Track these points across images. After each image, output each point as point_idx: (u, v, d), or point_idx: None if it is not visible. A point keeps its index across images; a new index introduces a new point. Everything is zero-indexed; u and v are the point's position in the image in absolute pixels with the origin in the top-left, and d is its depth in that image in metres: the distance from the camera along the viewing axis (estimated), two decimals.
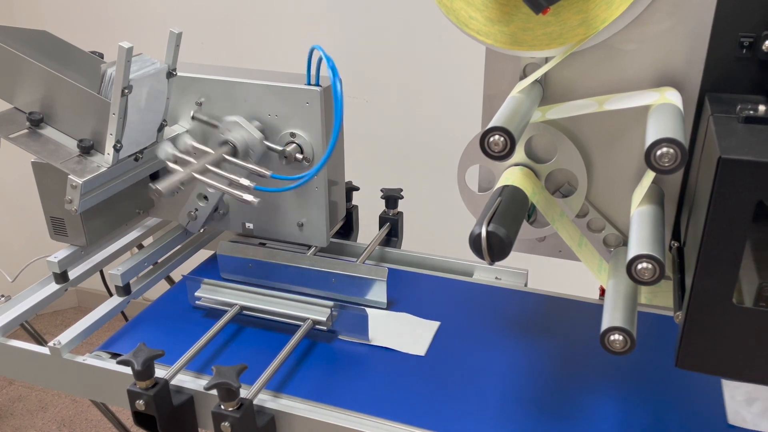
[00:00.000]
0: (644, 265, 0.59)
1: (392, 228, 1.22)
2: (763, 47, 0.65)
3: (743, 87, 0.68)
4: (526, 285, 1.10)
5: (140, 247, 1.21)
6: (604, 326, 0.64)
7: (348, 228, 1.24)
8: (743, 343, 0.58)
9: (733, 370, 0.60)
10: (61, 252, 1.06)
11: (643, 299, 0.75)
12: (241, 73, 1.07)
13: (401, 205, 1.24)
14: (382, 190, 1.22)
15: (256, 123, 1.03)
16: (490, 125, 0.62)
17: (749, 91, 0.68)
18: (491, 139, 0.61)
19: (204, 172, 0.93)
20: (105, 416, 1.10)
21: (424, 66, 1.76)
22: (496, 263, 1.12)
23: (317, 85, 1.01)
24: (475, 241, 0.65)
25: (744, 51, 0.66)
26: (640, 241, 0.62)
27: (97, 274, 1.15)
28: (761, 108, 0.60)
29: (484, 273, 1.14)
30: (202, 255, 1.24)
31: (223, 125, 1.02)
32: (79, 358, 0.91)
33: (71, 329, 0.95)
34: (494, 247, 0.65)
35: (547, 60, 0.74)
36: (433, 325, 0.98)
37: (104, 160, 0.97)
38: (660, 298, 0.74)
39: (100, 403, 1.11)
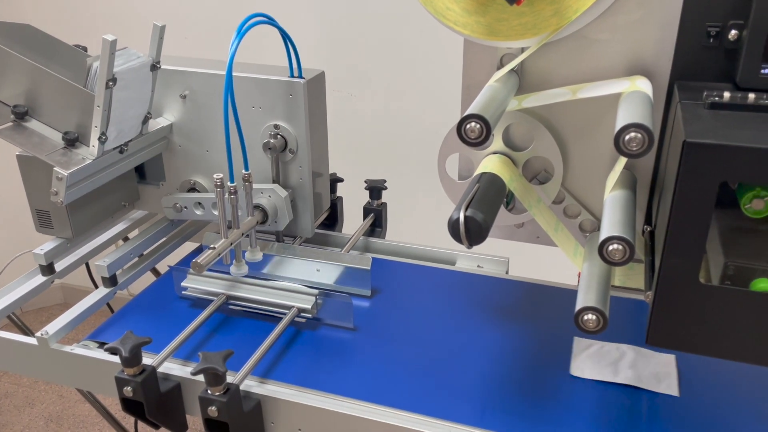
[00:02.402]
0: (615, 246, 0.62)
1: (376, 219, 1.24)
2: (729, 36, 0.68)
3: (711, 75, 0.70)
4: (507, 272, 1.13)
5: (126, 239, 1.21)
6: (578, 306, 0.66)
7: (333, 219, 1.26)
8: (710, 320, 0.61)
9: (700, 345, 0.62)
10: (47, 244, 1.06)
11: (617, 281, 0.78)
12: (224, 66, 1.07)
13: (385, 196, 1.25)
14: (366, 182, 1.24)
15: (285, 193, 1.06)
16: (466, 113, 0.64)
17: (716, 79, 0.70)
18: (467, 126, 0.63)
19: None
20: (93, 407, 1.11)
21: (407, 59, 1.78)
22: (479, 252, 1.15)
23: (300, 77, 1.03)
24: (453, 226, 0.67)
25: (711, 40, 0.69)
26: (611, 224, 0.64)
27: (84, 269, 1.16)
28: (726, 95, 0.62)
29: (466, 261, 1.16)
30: (188, 247, 1.26)
31: (255, 191, 1.06)
32: (67, 348, 0.92)
33: (58, 320, 0.95)
34: (472, 232, 0.67)
35: (523, 50, 0.76)
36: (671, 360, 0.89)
37: (89, 152, 0.97)
38: (633, 281, 0.77)
39: (88, 394, 1.12)
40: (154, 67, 1.01)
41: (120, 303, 1.10)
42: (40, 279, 1.06)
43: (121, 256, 1.06)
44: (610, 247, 0.62)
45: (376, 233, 1.24)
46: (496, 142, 0.83)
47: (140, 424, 1.99)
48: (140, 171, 1.20)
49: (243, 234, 0.98)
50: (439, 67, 1.74)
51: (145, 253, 1.17)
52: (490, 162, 0.79)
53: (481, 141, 0.64)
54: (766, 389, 0.84)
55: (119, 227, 1.19)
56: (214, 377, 0.76)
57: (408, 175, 1.79)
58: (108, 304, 1.15)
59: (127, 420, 2.00)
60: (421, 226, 1.67)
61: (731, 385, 0.84)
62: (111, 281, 1.05)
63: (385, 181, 1.25)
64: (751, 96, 0.61)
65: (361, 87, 1.85)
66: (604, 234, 0.63)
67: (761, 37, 0.64)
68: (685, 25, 0.69)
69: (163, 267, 1.22)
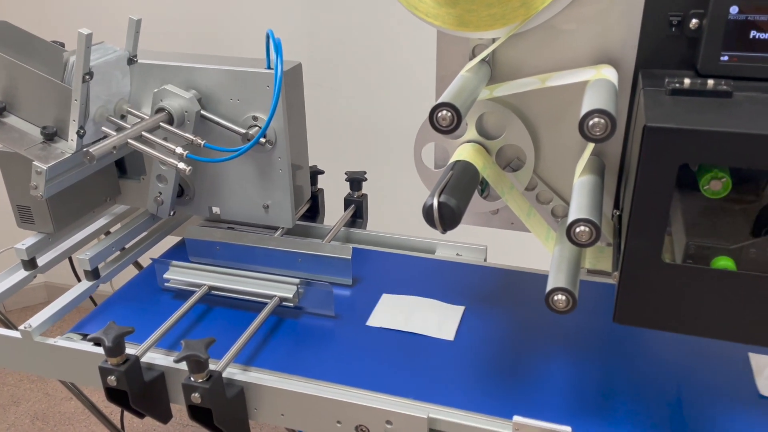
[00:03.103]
0: (582, 228, 0.64)
1: (357, 210, 1.26)
2: (690, 25, 0.70)
3: (673, 63, 0.73)
4: (485, 260, 1.15)
5: (107, 234, 1.22)
6: (549, 287, 0.68)
7: (314, 211, 1.27)
8: (673, 297, 0.63)
9: (666, 322, 0.65)
10: (29, 239, 1.07)
11: (588, 264, 0.80)
12: (202, 59, 1.09)
13: (365, 188, 1.27)
14: (346, 173, 1.26)
15: (193, 92, 1.04)
16: (438, 101, 0.65)
17: (679, 67, 0.72)
18: (439, 114, 0.65)
19: (139, 138, 0.95)
20: (79, 400, 1.12)
21: (384, 53, 1.79)
22: (458, 241, 1.17)
23: (274, 69, 1.04)
24: (427, 212, 0.69)
25: (673, 29, 0.71)
26: (578, 207, 0.66)
27: (67, 265, 1.16)
28: (687, 81, 0.65)
29: (445, 250, 1.18)
30: (169, 241, 1.26)
31: (158, 93, 1.03)
32: (50, 341, 0.93)
33: (41, 313, 0.96)
34: (445, 217, 0.69)
35: (493, 41, 0.78)
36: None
37: (68, 146, 0.98)
38: (603, 263, 0.80)
39: (74, 388, 1.13)
40: (131, 60, 1.02)
41: (103, 298, 1.11)
42: (22, 274, 1.06)
43: (103, 249, 1.07)
44: (577, 229, 0.64)
45: (357, 224, 1.26)
46: (470, 131, 0.85)
47: (126, 418, 1.99)
48: (121, 166, 1.21)
49: (143, 130, 0.97)
50: (413, 61, 1.76)
51: (126, 246, 1.18)
52: (464, 150, 0.81)
53: (452, 128, 0.66)
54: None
55: (101, 222, 1.20)
56: (197, 364, 0.77)
57: (387, 167, 1.80)
58: (91, 298, 1.16)
59: (114, 415, 2.01)
60: (401, 217, 1.69)
61: None
62: (93, 274, 1.06)
63: (365, 172, 1.26)
64: (711, 82, 0.64)
65: (339, 81, 1.86)
66: (571, 217, 0.65)
67: (720, 25, 0.67)
68: (648, 14, 0.72)
69: (144, 260, 1.23)
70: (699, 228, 0.66)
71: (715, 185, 0.61)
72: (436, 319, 0.97)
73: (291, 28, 1.83)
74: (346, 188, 1.27)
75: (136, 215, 1.22)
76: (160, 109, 1.02)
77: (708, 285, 0.62)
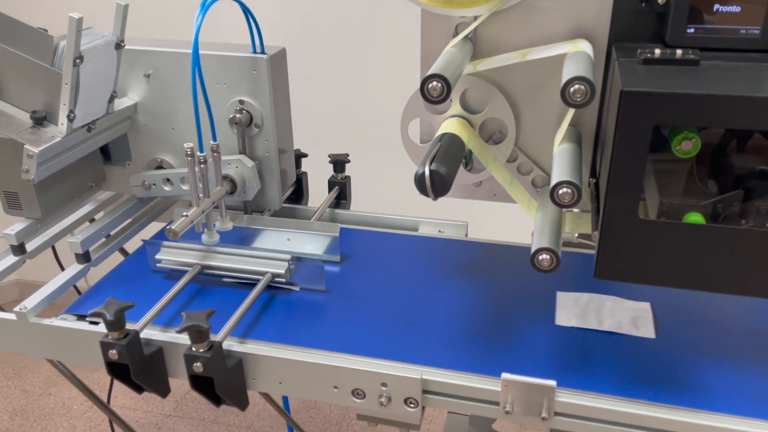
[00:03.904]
0: (564, 189, 0.69)
1: (341, 191, 1.29)
2: (659, 1, 0.75)
3: (644, 36, 0.78)
4: (466, 235, 1.20)
5: (92, 221, 1.23)
6: (534, 248, 0.73)
7: (299, 193, 1.30)
8: (649, 252, 0.69)
9: (643, 275, 0.70)
10: (17, 225, 1.08)
11: (567, 229, 0.85)
12: (188, 45, 1.10)
13: (348, 169, 1.31)
14: (329, 156, 1.29)
15: (251, 163, 1.10)
16: (428, 73, 0.69)
17: (649, 40, 0.78)
18: (430, 85, 0.69)
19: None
20: (71, 382, 1.13)
21: (364, 38, 1.83)
22: (439, 218, 1.22)
23: (263, 53, 1.07)
24: (419, 180, 0.73)
25: (643, 5, 0.76)
26: (560, 171, 0.71)
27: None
28: (657, 51, 0.70)
29: (427, 227, 1.22)
30: (154, 227, 1.27)
31: (230, 163, 1.10)
32: (46, 321, 0.94)
33: (35, 295, 0.98)
34: (436, 184, 0.73)
35: (475, 18, 0.82)
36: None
37: (58, 130, 0.99)
38: (580, 227, 0.84)
39: (66, 371, 1.14)
40: (119, 45, 1.04)
41: (85, 287, 1.11)
42: (11, 259, 1.07)
43: (94, 233, 1.09)
44: (560, 191, 0.69)
45: (341, 205, 1.30)
46: (454, 106, 0.89)
47: (114, 402, 1.98)
48: (105, 152, 1.22)
49: (213, 203, 1.02)
50: (393, 46, 1.80)
51: (112, 233, 1.19)
52: (450, 124, 0.85)
53: (442, 99, 0.70)
54: (734, 329, 0.93)
55: (87, 208, 1.21)
56: (199, 334, 0.80)
57: (369, 150, 1.84)
58: (75, 287, 1.16)
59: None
60: (383, 197, 1.73)
61: (703, 327, 0.93)
62: (84, 257, 1.07)
63: (348, 155, 1.30)
64: (679, 52, 0.69)
65: (321, 67, 1.89)
66: (554, 180, 0.70)
67: (686, 0, 0.72)
68: None
69: (129, 247, 1.24)
70: (671, 187, 0.72)
71: (686, 145, 0.66)
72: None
73: (269, 17, 1.85)
74: (324, 174, 1.29)
75: (120, 201, 1.24)
76: (226, 177, 1.09)
77: (681, 239, 0.67)
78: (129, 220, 1.23)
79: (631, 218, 0.67)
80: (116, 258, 1.27)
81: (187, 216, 0.95)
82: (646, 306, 0.95)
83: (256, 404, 2.19)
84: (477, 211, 1.35)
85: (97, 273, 1.12)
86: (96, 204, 1.23)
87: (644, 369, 0.85)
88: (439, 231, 1.21)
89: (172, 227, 0.92)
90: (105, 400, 1.76)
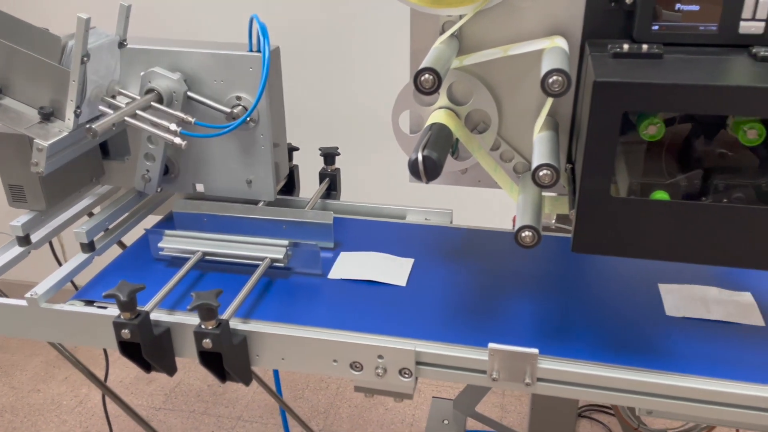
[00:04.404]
0: (545, 171, 0.76)
1: (332, 182, 1.35)
2: (627, 0, 0.83)
3: (614, 33, 0.86)
4: (451, 222, 1.27)
5: (90, 215, 1.27)
6: (517, 226, 0.80)
7: (291, 186, 1.36)
8: (621, 226, 0.76)
9: (615, 248, 0.78)
10: (22, 217, 1.12)
11: (547, 209, 0.93)
12: (186, 44, 1.16)
13: (338, 162, 1.37)
14: (320, 149, 1.35)
15: (178, 74, 1.12)
16: (420, 67, 0.76)
17: (618, 36, 0.85)
18: (423, 77, 0.76)
19: (133, 116, 1.03)
20: (76, 367, 1.17)
21: (355, 35, 1.90)
22: (426, 207, 1.29)
23: (259, 51, 1.12)
24: (413, 165, 0.80)
25: (613, 4, 0.84)
26: (540, 155, 0.79)
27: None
28: (626, 46, 0.78)
29: (415, 215, 1.29)
30: (151, 220, 1.32)
31: (146, 75, 1.10)
32: (57, 306, 0.99)
33: (45, 281, 1.02)
34: (428, 169, 0.80)
35: (461, 17, 0.89)
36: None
37: (65, 125, 1.04)
38: (558, 208, 0.92)
39: (71, 357, 1.18)
40: (122, 44, 1.09)
41: (81, 282, 1.14)
42: (17, 250, 1.11)
43: (98, 223, 1.14)
44: (541, 173, 0.76)
45: (332, 196, 1.36)
46: (441, 99, 0.96)
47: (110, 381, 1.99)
48: (104, 148, 1.27)
49: (137, 110, 1.04)
50: (382, 43, 1.87)
51: (111, 226, 1.23)
52: (438, 115, 0.92)
53: (434, 90, 0.76)
54: None
55: (86, 201, 1.26)
56: (208, 312, 0.86)
57: (359, 143, 1.91)
58: (72, 282, 1.20)
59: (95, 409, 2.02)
60: (371, 188, 1.80)
61: None
62: (89, 247, 1.12)
63: (337, 148, 1.36)
64: (645, 47, 0.77)
65: (311, 65, 1.96)
66: (535, 163, 0.77)
67: (651, 0, 0.80)
68: None
69: (127, 240, 1.29)
70: (639, 169, 0.79)
71: (651, 129, 0.73)
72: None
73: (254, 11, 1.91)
74: (315, 167, 1.36)
75: (119, 195, 1.28)
76: (150, 90, 1.09)
77: (648, 214, 0.75)
78: (127, 214, 1.27)
79: (604, 197, 0.75)
80: (115, 251, 1.32)
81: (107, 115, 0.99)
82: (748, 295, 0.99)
83: (245, 396, 2.24)
84: (460, 200, 1.43)
85: (95, 267, 1.16)
86: (95, 198, 1.27)
87: (619, 337, 0.93)
88: (426, 219, 1.28)
89: (93, 125, 0.95)
90: (98, 395, 1.78)
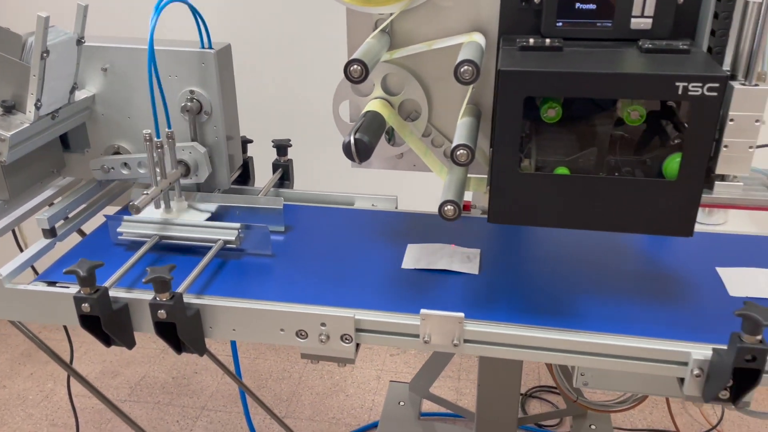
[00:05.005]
0: (461, 150, 0.86)
1: (284, 173, 1.44)
2: (535, 0, 0.94)
3: (525, 29, 0.96)
4: (396, 207, 1.36)
5: (51, 205, 1.33)
6: (441, 200, 0.90)
7: (245, 176, 1.44)
8: (529, 198, 0.87)
9: (524, 218, 0.88)
10: None
11: (471, 188, 1.03)
12: (142, 42, 1.23)
13: (290, 153, 1.45)
14: (273, 141, 1.44)
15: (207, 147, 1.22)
16: (350, 59, 0.85)
17: (529, 32, 0.96)
18: (351, 68, 0.85)
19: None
20: (40, 348, 1.23)
21: (301, 31, 1.99)
22: (373, 194, 1.38)
23: (210, 48, 1.21)
24: (346, 147, 0.89)
25: (524, 4, 0.95)
26: (459, 137, 0.89)
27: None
28: (531, 41, 0.88)
29: (362, 202, 1.38)
30: (110, 210, 1.38)
31: (180, 146, 1.21)
32: (21, 286, 1.06)
33: (10, 263, 1.09)
34: (360, 151, 0.89)
35: (391, 15, 0.99)
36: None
37: (26, 117, 1.11)
38: (481, 187, 1.02)
39: (36, 339, 1.24)
40: (79, 42, 1.16)
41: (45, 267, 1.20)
42: None
43: (59, 211, 1.20)
44: (458, 152, 0.86)
45: (285, 185, 1.44)
46: (377, 90, 1.05)
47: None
48: (65, 141, 1.33)
49: (170, 183, 1.15)
50: (325, 40, 1.96)
51: (71, 215, 1.29)
52: (373, 104, 1.01)
53: (362, 79, 0.86)
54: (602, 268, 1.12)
55: (48, 192, 1.32)
56: (162, 284, 0.94)
57: (310, 135, 2.00)
58: (32, 267, 1.26)
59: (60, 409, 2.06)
60: (322, 177, 1.88)
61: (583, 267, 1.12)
62: (51, 232, 1.18)
63: (289, 140, 1.45)
64: (548, 41, 0.87)
65: (262, 62, 2.04)
66: (454, 144, 0.87)
67: (554, 0, 0.91)
68: None
69: (87, 228, 1.35)
70: (545, 148, 0.90)
71: (551, 113, 0.84)
72: None
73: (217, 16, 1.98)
74: (271, 160, 1.44)
75: (78, 186, 1.35)
76: (180, 161, 1.21)
77: (552, 187, 0.85)
78: (84, 205, 1.34)
79: (513, 172, 0.85)
80: (75, 238, 1.38)
81: (147, 194, 1.08)
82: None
83: (209, 386, 2.30)
84: (405, 187, 1.52)
85: (56, 254, 1.22)
86: (57, 189, 1.33)
87: (535, 302, 1.03)
88: (372, 204, 1.37)
89: (135, 203, 1.05)
90: (64, 390, 1.82)
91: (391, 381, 2.06)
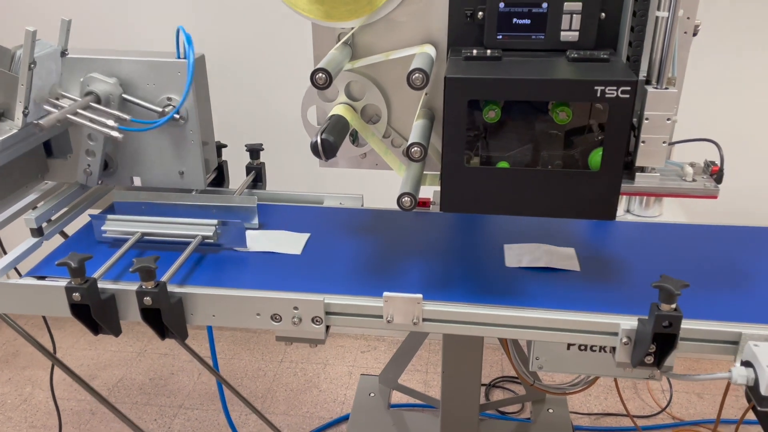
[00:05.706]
0: (415, 148, 0.98)
1: (257, 175, 1.54)
2: (478, 16, 1.06)
3: (471, 41, 1.08)
4: (362, 205, 1.48)
5: (34, 209, 1.41)
6: (399, 192, 1.01)
7: (220, 179, 1.53)
8: (475, 189, 0.98)
9: (474, 207, 1.00)
10: None
11: (427, 183, 1.14)
12: (122, 53, 1.33)
13: (262, 156, 1.55)
14: (246, 145, 1.54)
15: (114, 78, 1.28)
16: (315, 67, 0.97)
17: (474, 44, 1.08)
18: (317, 75, 0.96)
19: (74, 114, 1.19)
20: (27, 340, 1.31)
21: (271, 44, 2.09)
22: (340, 193, 1.49)
23: (185, 58, 1.30)
24: (313, 147, 1.00)
25: (468, 19, 1.07)
26: (413, 136, 1.00)
27: None
28: (474, 51, 1.00)
29: (331, 201, 1.49)
30: (93, 213, 1.47)
31: (85, 80, 1.27)
32: (12, 281, 1.14)
33: (0, 261, 1.16)
34: (326, 149, 1.00)
35: (352, 29, 1.10)
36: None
37: (14, 124, 1.19)
38: (436, 182, 1.14)
39: (24, 333, 1.32)
40: (63, 54, 1.25)
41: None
42: None
43: (45, 211, 1.28)
44: (412, 149, 0.98)
45: (258, 187, 1.54)
46: (341, 96, 1.17)
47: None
48: (48, 148, 1.41)
49: (78, 109, 1.20)
50: (295, 51, 2.07)
51: (53, 218, 1.37)
52: (338, 109, 1.13)
53: (326, 86, 0.97)
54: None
55: (32, 196, 1.40)
56: (148, 273, 1.03)
57: (282, 140, 2.10)
58: (16, 269, 1.34)
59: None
60: (293, 179, 1.98)
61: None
62: (38, 232, 1.26)
63: (262, 144, 1.55)
64: (489, 51, 1.00)
65: (236, 72, 2.14)
66: (409, 142, 0.98)
67: (494, 15, 1.03)
68: (452, 9, 1.07)
69: (69, 230, 1.43)
70: (489, 145, 1.02)
71: (491, 114, 0.96)
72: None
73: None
74: (242, 163, 1.54)
75: (61, 190, 1.43)
76: (89, 92, 1.26)
77: (495, 179, 0.97)
78: (67, 208, 1.42)
79: (460, 167, 0.97)
80: (58, 240, 1.46)
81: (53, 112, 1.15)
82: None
83: (186, 386, 2.38)
84: (370, 187, 1.63)
85: (40, 255, 1.30)
86: (40, 193, 1.41)
87: (489, 284, 1.15)
88: (340, 203, 1.48)
89: (40, 121, 1.10)
90: (42, 393, 1.86)
91: (362, 374, 2.16)
